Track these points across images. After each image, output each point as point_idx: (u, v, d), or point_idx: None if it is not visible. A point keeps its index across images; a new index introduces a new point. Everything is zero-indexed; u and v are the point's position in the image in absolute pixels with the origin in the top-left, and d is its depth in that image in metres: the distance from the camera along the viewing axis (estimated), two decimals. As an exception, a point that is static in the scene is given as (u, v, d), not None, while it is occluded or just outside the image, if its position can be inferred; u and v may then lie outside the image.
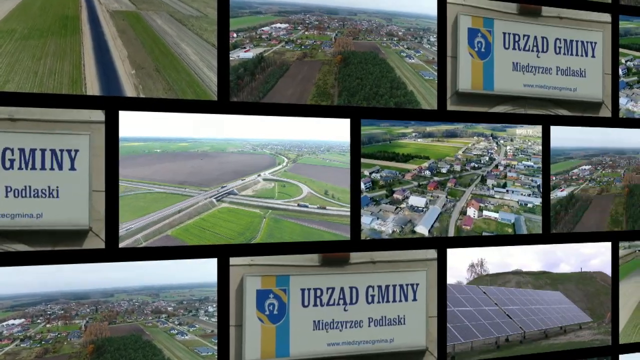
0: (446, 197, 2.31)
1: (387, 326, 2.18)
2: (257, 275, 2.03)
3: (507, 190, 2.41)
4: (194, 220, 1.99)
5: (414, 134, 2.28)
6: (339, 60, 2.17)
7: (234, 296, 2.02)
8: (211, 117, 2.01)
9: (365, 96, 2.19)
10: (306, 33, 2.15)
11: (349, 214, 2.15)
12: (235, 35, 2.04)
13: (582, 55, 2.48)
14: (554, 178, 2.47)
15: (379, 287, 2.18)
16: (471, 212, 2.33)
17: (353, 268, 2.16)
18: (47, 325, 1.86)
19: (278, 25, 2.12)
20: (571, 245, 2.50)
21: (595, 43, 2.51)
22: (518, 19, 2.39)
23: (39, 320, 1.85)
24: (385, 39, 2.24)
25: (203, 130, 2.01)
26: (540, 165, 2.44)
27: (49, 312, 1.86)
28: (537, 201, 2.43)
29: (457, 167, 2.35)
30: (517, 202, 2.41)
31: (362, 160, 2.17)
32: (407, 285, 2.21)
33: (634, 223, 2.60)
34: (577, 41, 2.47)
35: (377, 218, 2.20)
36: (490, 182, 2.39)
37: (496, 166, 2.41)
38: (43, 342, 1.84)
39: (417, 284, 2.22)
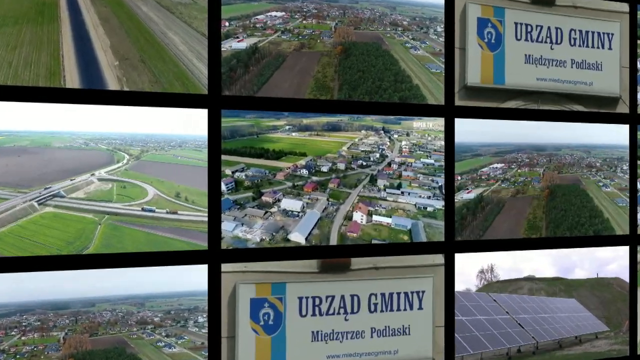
0: (327, 199, 2.10)
1: (390, 337, 2.14)
2: (251, 283, 1.99)
3: (402, 192, 2.18)
4: (9, 228, 1.78)
5: (287, 127, 2.08)
6: (339, 51, 2.13)
7: (225, 305, 1.98)
8: (33, 105, 1.78)
9: (367, 90, 2.15)
10: (304, 22, 2.11)
11: (206, 219, 1.95)
12: (227, 24, 2.01)
13: (598, 47, 2.45)
14: (459, 178, 2.25)
15: (382, 294, 2.14)
16: (358, 216, 2.12)
17: (354, 274, 2.12)
18: (22, 338, 1.82)
19: (274, 13, 2.09)
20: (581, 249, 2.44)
21: (612, 34, 2.47)
22: (531, 9, 2.35)
23: (13, 333, 1.81)
24: (388, 29, 2.21)
25: (23, 122, 1.77)
26: (443, 164, 2.23)
27: (24, 324, 1.82)
28: (439, 204, 2.21)
29: (341, 166, 2.14)
30: (415, 205, 2.19)
31: (223, 157, 1.97)
32: (412, 292, 2.17)
33: (556, 228, 2.37)
34: (593, 32, 2.44)
35: (242, 224, 2.00)
36: (381, 182, 2.17)
37: (389, 164, 2.20)
38: (18, 356, 1.80)
39: (423, 292, 2.18)
